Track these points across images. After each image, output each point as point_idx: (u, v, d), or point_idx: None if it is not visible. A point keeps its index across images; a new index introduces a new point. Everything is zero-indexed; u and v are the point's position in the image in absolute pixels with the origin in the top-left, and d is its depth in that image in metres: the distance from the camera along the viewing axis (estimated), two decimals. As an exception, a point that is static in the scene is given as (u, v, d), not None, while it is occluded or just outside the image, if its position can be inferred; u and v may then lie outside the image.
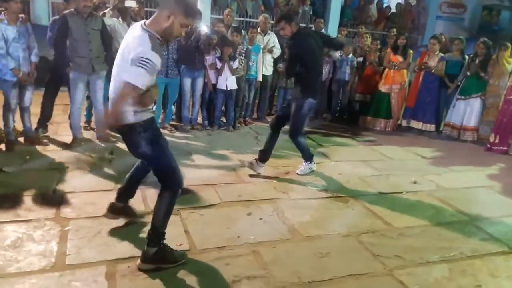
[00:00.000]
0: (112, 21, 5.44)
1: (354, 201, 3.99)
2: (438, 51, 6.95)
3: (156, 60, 2.31)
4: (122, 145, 5.09)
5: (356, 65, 7.48)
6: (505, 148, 6.25)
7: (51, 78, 5.25)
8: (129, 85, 2.30)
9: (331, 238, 3.23)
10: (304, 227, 3.36)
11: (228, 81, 6.17)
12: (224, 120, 6.61)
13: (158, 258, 2.61)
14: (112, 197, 3.19)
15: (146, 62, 2.26)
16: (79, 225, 3.08)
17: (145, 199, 3.53)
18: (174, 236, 2.99)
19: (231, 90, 6.24)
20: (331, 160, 5.23)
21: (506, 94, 6.30)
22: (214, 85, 6.23)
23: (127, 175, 3.09)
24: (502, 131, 6.29)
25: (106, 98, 5.41)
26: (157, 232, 2.63)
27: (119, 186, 3.27)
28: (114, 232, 3.01)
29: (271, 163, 4.84)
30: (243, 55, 6.35)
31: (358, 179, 4.58)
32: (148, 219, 3.18)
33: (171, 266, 2.64)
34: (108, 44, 4.94)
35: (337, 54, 7.46)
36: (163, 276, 2.55)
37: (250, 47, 6.53)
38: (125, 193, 3.11)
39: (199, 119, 6.47)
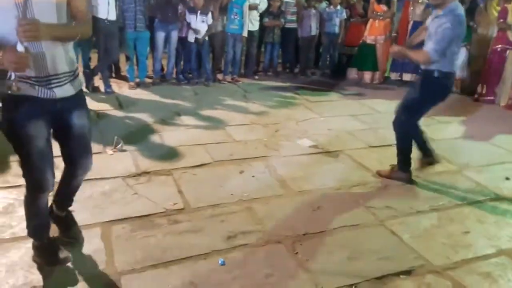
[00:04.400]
0: None
1: (343, 155, 4.02)
2: None
3: None
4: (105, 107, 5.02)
5: (345, 17, 7.33)
6: (492, 98, 6.29)
7: None
8: None
9: (323, 192, 3.27)
10: (296, 182, 3.39)
11: (198, 33, 6.07)
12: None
13: (39, 253, 2.25)
14: (100, 160, 3.15)
15: None
16: (70, 189, 3.04)
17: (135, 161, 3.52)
18: (168, 196, 3.01)
19: (203, 41, 6.14)
20: (320, 116, 5.22)
21: (492, 44, 6.25)
22: (184, 38, 6.13)
23: None
24: (488, 82, 6.31)
25: None
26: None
27: (108, 148, 3.19)
28: (105, 195, 3.00)
29: (260, 121, 4.83)
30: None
31: (347, 134, 4.60)
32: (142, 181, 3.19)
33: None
34: None
35: (323, 6, 7.29)
36: (158, 235, 2.57)
37: None
38: None
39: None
